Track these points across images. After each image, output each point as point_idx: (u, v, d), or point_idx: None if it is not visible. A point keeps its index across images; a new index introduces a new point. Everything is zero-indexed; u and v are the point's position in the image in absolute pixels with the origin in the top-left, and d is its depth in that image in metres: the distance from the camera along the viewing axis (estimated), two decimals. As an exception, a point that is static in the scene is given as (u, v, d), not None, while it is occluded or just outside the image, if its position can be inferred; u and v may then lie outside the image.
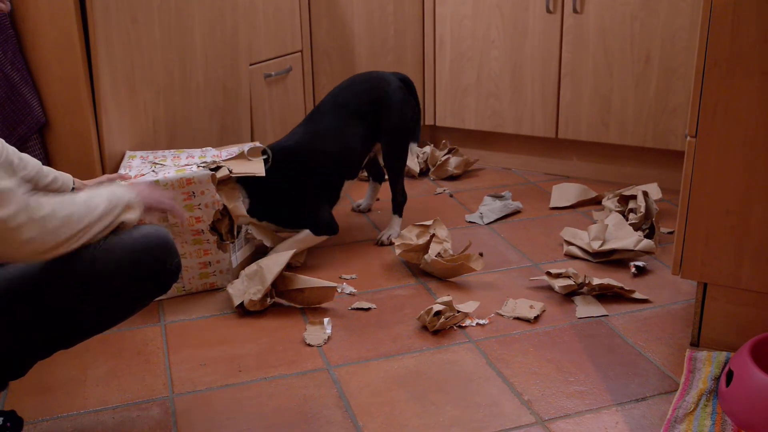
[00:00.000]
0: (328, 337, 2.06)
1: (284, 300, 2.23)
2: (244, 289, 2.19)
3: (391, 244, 2.61)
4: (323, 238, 2.51)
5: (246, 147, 2.33)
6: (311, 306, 2.21)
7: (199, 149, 2.39)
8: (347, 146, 2.54)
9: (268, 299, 2.19)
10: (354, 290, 2.32)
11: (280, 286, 2.22)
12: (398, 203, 2.69)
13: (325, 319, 2.11)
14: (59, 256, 1.40)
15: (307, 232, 2.47)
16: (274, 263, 2.20)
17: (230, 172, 2.19)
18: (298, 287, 2.20)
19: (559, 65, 3.08)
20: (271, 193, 2.39)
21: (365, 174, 3.14)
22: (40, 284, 1.47)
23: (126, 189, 1.54)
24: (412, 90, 2.70)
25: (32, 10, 2.18)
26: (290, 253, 2.26)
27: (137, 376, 1.91)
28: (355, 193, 3.11)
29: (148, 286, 1.58)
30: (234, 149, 2.35)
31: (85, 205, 1.42)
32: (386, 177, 2.79)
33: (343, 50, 3.33)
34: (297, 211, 2.46)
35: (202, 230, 2.24)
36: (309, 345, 2.03)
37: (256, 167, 2.27)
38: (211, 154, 2.30)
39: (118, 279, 1.51)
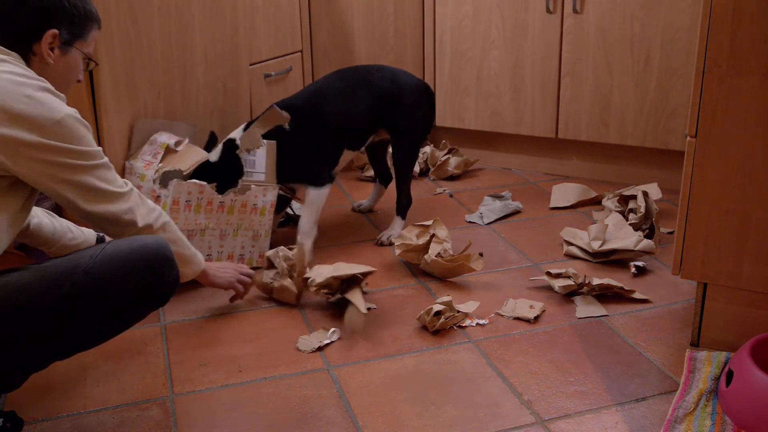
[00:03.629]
0: (322, 344, 2.02)
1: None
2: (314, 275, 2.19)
3: (391, 244, 2.61)
4: (327, 190, 2.48)
5: (171, 141, 2.33)
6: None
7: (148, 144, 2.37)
8: (351, 112, 2.53)
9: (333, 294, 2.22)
10: (354, 290, 2.31)
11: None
12: (402, 205, 2.68)
13: (332, 329, 2.07)
14: (58, 264, 1.51)
15: (310, 191, 2.46)
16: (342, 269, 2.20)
17: (183, 173, 2.24)
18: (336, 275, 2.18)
19: (559, 65, 3.08)
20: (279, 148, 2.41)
21: (371, 174, 3.14)
22: (37, 295, 1.45)
23: (199, 259, 1.94)
24: (430, 98, 2.70)
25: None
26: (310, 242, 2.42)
27: (137, 376, 1.91)
28: (359, 194, 3.11)
29: (145, 298, 1.57)
30: (171, 137, 2.37)
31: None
32: (393, 178, 2.78)
33: (343, 50, 3.33)
34: (297, 164, 2.45)
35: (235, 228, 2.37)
36: (300, 350, 2.01)
37: (199, 153, 2.35)
38: (161, 141, 2.33)
39: (115, 290, 1.50)
